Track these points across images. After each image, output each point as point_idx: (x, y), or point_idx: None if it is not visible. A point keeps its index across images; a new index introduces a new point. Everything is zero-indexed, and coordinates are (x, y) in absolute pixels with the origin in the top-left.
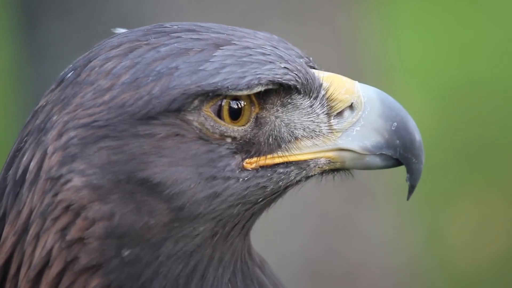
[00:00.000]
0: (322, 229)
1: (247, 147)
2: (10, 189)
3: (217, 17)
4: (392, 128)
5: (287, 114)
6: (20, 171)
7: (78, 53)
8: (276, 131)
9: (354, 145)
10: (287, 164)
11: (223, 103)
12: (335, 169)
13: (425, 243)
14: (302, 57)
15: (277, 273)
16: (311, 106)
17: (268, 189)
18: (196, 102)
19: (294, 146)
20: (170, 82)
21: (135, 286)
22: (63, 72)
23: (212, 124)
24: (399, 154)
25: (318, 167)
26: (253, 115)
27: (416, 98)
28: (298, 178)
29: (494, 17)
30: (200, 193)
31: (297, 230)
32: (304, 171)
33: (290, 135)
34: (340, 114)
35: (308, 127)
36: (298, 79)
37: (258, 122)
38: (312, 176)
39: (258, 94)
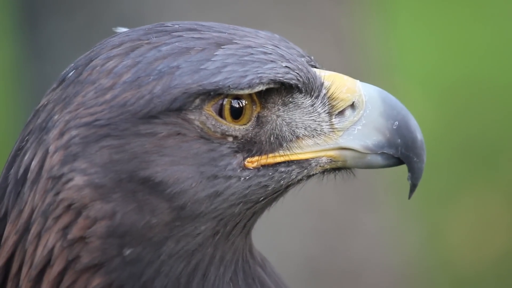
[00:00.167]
0: (322, 229)
1: (248, 146)
2: (12, 188)
3: (217, 17)
4: (394, 127)
5: (289, 113)
6: (21, 170)
7: (79, 52)
8: (278, 130)
9: (356, 144)
10: (288, 163)
11: (224, 102)
12: (336, 168)
13: (425, 242)
14: (303, 56)
15: (279, 272)
16: (312, 105)
17: (270, 188)
18: (197, 101)
19: (296, 145)
20: (171, 81)
21: (136, 285)
22: (64, 71)
23: (213, 123)
24: (400, 153)
25: (320, 166)
26: (255, 114)
27: (416, 97)
28: (299, 177)
29: (494, 16)
30: (202, 192)
31: (298, 229)
32: (306, 170)
33: (291, 134)
34: (341, 113)
35: (309, 126)
36: (299, 78)
37: (260, 121)
38: (313, 175)
39: (259, 93)
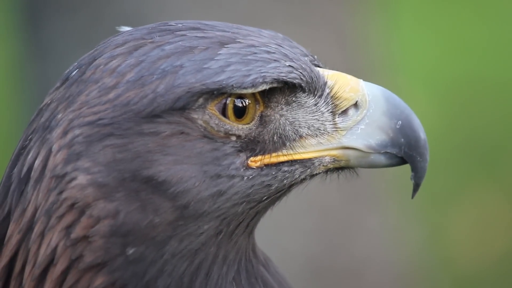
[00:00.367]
0: (325, 228)
1: (251, 145)
2: (15, 187)
3: (220, 16)
4: (397, 126)
5: (292, 113)
6: (25, 169)
7: (82, 51)
8: (281, 129)
9: (359, 144)
10: (291, 162)
11: (227, 102)
12: (339, 168)
13: (427, 241)
14: (307, 55)
15: (282, 271)
16: (315, 105)
17: (273, 188)
18: (200, 100)
19: (299, 145)
20: (175, 80)
21: (139, 284)
22: (68, 70)
23: (216, 122)
24: (403, 152)
25: (323, 166)
26: (258, 113)
27: (418, 96)
28: (302, 177)
29: (495, 15)
30: (205, 191)
31: (300, 228)
32: (309, 170)
33: (294, 133)
34: (344, 112)
35: (312, 126)
36: (303, 78)
37: (263, 121)
38: (316, 174)
39: (262, 93)
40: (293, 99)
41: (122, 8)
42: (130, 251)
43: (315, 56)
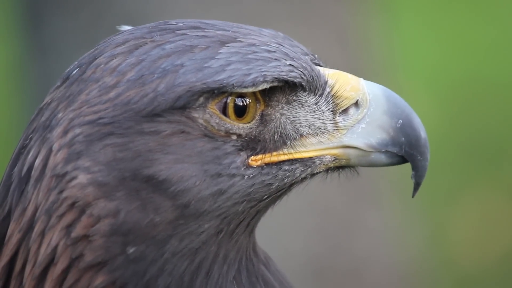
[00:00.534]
0: (326, 227)
1: (252, 144)
2: (16, 187)
3: (221, 15)
4: (397, 125)
5: (292, 111)
6: (25, 169)
7: (83, 50)
8: (281, 128)
9: (359, 142)
10: (292, 161)
11: (228, 100)
12: (340, 167)
13: (429, 241)
14: (307, 54)
15: (283, 270)
16: (316, 104)
17: (273, 186)
18: (201, 99)
19: (299, 143)
20: (175, 79)
21: (140, 283)
22: (68, 69)
23: (217, 121)
24: (404, 151)
25: (323, 164)
26: (258, 112)
27: (420, 95)
28: (303, 175)
29: (498, 15)
30: (205, 190)
31: (301, 228)
32: (309, 168)
33: (295, 132)
34: (345, 111)
35: (313, 124)
36: (303, 76)
37: (263, 119)
38: (317, 173)
39: (263, 91)
40: (294, 98)
41: (124, 8)
42: (131, 250)
43: (316, 55)
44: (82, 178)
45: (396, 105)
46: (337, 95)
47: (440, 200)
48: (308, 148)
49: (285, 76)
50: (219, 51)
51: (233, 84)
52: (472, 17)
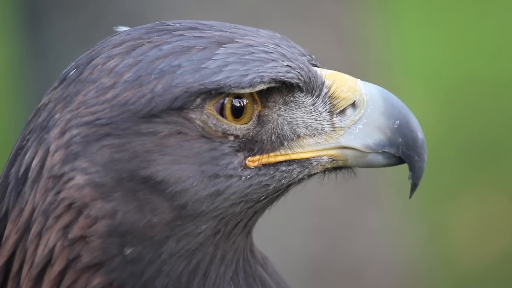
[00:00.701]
0: (324, 227)
1: (249, 145)
2: (13, 187)
3: (220, 16)
4: (395, 126)
5: (290, 112)
6: (22, 169)
7: (82, 51)
8: (279, 129)
9: (357, 143)
10: (289, 162)
11: (225, 101)
12: (337, 167)
13: (428, 241)
14: (304, 55)
15: (280, 271)
16: (313, 104)
17: (271, 187)
18: (198, 100)
19: (297, 144)
20: (172, 80)
21: (137, 284)
22: (65, 70)
23: (214, 122)
24: (401, 152)
25: (321, 165)
26: (256, 113)
27: (419, 96)
28: (300, 176)
29: (497, 14)
30: (203, 191)
31: (300, 227)
32: (307, 169)
33: (292, 133)
34: (342, 112)
35: (310, 125)
36: (300, 77)
37: (261, 120)
38: (314, 174)
39: (260, 92)
40: (291, 99)
41: (123, 8)
42: (128, 251)
43: (313, 56)
44: (79, 179)
45: (393, 106)
46: (334, 96)
47: (439, 200)
48: (305, 149)
49: (282, 77)
50: (216, 52)
51: (230, 85)
52: (471, 17)
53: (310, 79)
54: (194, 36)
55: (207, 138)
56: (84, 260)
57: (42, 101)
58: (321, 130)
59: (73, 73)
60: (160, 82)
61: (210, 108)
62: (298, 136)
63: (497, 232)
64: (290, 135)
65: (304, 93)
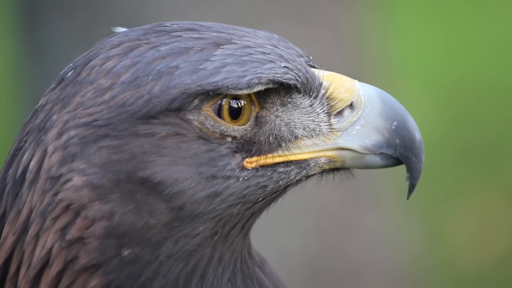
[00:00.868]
0: (323, 228)
1: (247, 146)
2: (10, 188)
3: (218, 16)
4: (392, 127)
5: (287, 113)
6: (20, 171)
7: (80, 51)
8: (276, 130)
9: (354, 144)
10: (287, 163)
11: (223, 102)
12: (335, 168)
13: (426, 243)
14: (302, 56)
15: (277, 272)
16: (311, 105)
17: (268, 189)
18: (196, 101)
19: (294, 145)
20: (170, 81)
21: (135, 285)
22: (63, 71)
23: (212, 123)
24: (399, 153)
25: (318, 167)
26: (253, 114)
27: (418, 97)
28: (298, 178)
29: (496, 15)
30: (200, 192)
31: (298, 229)
32: (304, 171)
33: (290, 134)
34: (340, 113)
35: (308, 126)
36: (298, 78)
37: (258, 121)
38: (312, 175)
39: (258, 93)
40: (289, 100)
41: (121, 9)
42: (126, 252)
43: (311, 57)
44: (77, 180)
45: (391, 107)
46: (332, 97)
47: (438, 201)
48: (303, 150)
49: (280, 78)
50: (214, 53)
51: (228, 86)
52: (470, 18)
53: (307, 80)
54: (191, 37)
55: (204, 139)
56: (82, 262)
57: (40, 102)
58: (319, 131)
59: (71, 74)
60: (157, 83)
61: (208, 109)
62: (296, 137)
63: (495, 234)
64: (287, 136)
65: (301, 94)
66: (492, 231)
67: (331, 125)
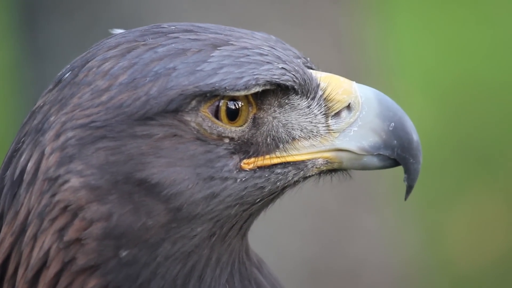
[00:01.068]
0: (321, 229)
1: (245, 147)
2: (8, 190)
3: (216, 17)
4: (390, 128)
5: (285, 115)
6: (17, 172)
7: (78, 53)
8: (274, 131)
9: (352, 146)
10: (285, 164)
11: (220, 104)
12: (332, 170)
13: (424, 243)
14: (299, 58)
15: (275, 273)
16: (308, 107)
17: (266, 190)
18: (193, 102)
19: (292, 147)
20: (167, 82)
21: (133, 286)
22: (60, 73)
23: (209, 124)
24: (396, 154)
25: (316, 168)
26: (251, 115)
27: (416, 98)
28: (295, 179)
29: (492, 16)
30: (198, 193)
31: (297, 229)
32: (302, 172)
33: (287, 135)
34: (337, 114)
35: (305, 128)
36: (295, 80)
37: (256, 123)
38: (310, 176)
39: (255, 95)
40: (286, 101)
41: (119, 11)
42: (123, 253)
43: (308, 58)
44: (74, 181)
45: (388, 108)
46: (329, 98)
47: (436, 202)
48: (301, 151)
49: (277, 80)
50: (211, 54)
51: (225, 87)
52: (467, 19)
53: (305, 81)
54: (189, 38)
55: (202, 141)
56: (80, 263)
57: (37, 104)
58: (316, 132)
59: (68, 75)
60: (155, 84)
61: (205, 111)
62: (293, 139)
63: (493, 234)
64: (285, 137)
65: (299, 95)
66: (490, 231)
67: (328, 126)
